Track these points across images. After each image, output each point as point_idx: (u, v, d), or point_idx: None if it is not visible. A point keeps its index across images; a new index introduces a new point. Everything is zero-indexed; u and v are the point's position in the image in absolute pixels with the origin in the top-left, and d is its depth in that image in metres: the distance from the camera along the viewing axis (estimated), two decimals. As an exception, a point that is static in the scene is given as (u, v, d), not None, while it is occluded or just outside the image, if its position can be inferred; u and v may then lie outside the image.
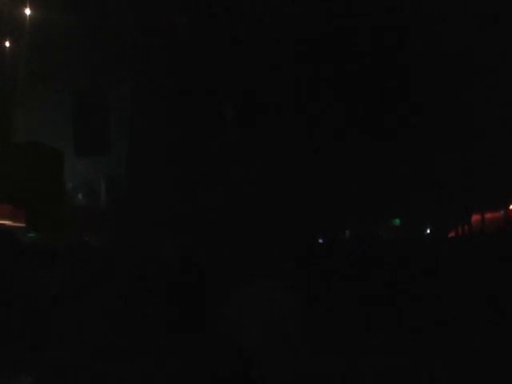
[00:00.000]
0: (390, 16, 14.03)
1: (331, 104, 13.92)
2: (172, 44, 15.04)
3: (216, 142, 13.86)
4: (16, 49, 15.81)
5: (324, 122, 13.88)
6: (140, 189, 14.99)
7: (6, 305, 5.87)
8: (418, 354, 4.83)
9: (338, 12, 14.19)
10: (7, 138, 16.08)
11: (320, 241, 9.81)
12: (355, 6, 13.98)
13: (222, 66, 14.22)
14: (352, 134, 14.00)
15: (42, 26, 15.62)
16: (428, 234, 12.88)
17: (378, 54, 14.23)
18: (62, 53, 16.32)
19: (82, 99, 17.89)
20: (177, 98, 14.75)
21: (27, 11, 15.53)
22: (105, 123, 17.62)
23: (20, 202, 13.63)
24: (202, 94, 14.33)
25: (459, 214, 13.62)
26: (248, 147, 13.66)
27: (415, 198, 13.84)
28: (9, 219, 12.94)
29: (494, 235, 11.44)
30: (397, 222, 13.90)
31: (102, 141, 17.49)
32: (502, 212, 13.43)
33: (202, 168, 13.86)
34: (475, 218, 13.64)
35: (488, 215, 13.50)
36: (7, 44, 15.65)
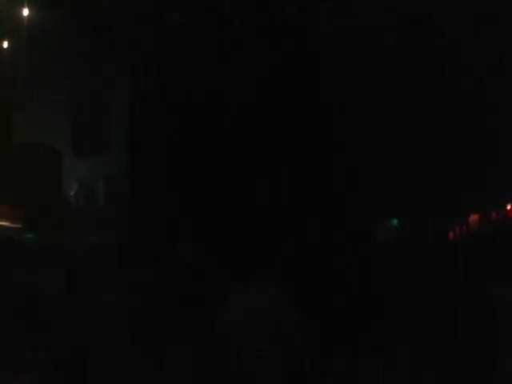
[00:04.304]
0: None
1: (329, 103, 13.95)
2: (172, 44, 15.05)
3: (214, 142, 13.88)
4: (16, 49, 15.81)
5: (319, 119, 13.90)
6: (139, 189, 15.00)
7: (5, 306, 5.88)
8: (415, 361, 4.84)
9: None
10: (6, 138, 16.09)
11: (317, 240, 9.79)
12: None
13: (222, 67, 14.24)
14: (348, 130, 14.02)
15: (41, 26, 15.63)
16: (426, 233, 12.87)
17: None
18: (62, 53, 16.33)
19: (81, 99, 17.91)
20: (177, 98, 14.75)
21: (26, 11, 15.54)
22: (104, 123, 17.64)
23: (19, 202, 13.65)
24: (202, 95, 14.34)
25: (458, 213, 13.62)
26: (246, 147, 13.67)
27: (414, 198, 13.85)
28: (7, 219, 12.96)
29: (493, 235, 11.45)
30: (395, 222, 13.86)
31: (101, 141, 17.51)
32: (501, 212, 13.43)
33: (201, 168, 13.88)
34: (474, 218, 13.64)
35: (487, 215, 13.50)
36: (7, 44, 15.65)
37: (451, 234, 12.77)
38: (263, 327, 3.94)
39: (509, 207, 13.26)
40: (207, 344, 4.45)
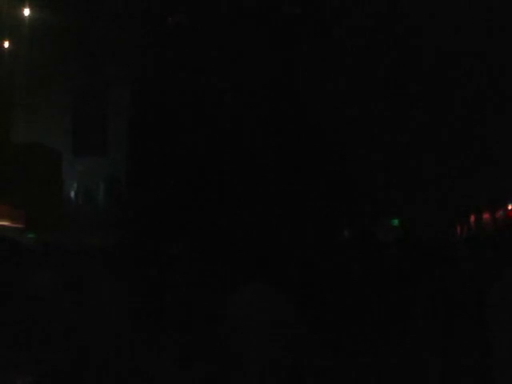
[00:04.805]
0: None
1: (331, 105, 13.98)
2: (171, 44, 15.06)
3: (214, 143, 13.89)
4: (16, 49, 15.82)
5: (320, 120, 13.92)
6: (139, 189, 15.03)
7: (4, 306, 5.87)
8: (420, 358, 4.84)
9: None
10: (6, 138, 16.11)
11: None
12: None
13: (222, 66, 14.25)
14: (348, 131, 14.04)
15: (41, 27, 15.64)
16: (427, 234, 12.88)
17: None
18: (62, 53, 16.35)
19: (81, 99, 17.94)
20: (176, 98, 14.77)
21: (26, 11, 15.55)
22: (104, 124, 17.67)
23: (19, 203, 13.66)
24: (202, 95, 14.36)
25: (458, 214, 13.63)
26: (246, 148, 13.69)
27: (414, 198, 13.86)
28: (7, 219, 12.96)
29: (493, 235, 11.44)
30: (395, 222, 13.86)
31: (101, 141, 17.54)
32: (502, 212, 13.44)
33: (200, 169, 13.89)
34: (474, 217, 13.65)
35: (488, 215, 13.51)
36: (7, 44, 15.66)
37: (452, 234, 12.79)
38: (262, 328, 3.94)
39: (510, 207, 13.26)
40: (207, 344, 4.45)
